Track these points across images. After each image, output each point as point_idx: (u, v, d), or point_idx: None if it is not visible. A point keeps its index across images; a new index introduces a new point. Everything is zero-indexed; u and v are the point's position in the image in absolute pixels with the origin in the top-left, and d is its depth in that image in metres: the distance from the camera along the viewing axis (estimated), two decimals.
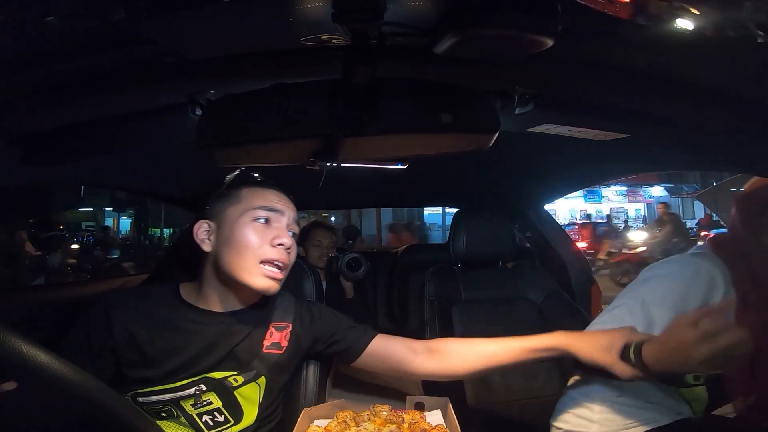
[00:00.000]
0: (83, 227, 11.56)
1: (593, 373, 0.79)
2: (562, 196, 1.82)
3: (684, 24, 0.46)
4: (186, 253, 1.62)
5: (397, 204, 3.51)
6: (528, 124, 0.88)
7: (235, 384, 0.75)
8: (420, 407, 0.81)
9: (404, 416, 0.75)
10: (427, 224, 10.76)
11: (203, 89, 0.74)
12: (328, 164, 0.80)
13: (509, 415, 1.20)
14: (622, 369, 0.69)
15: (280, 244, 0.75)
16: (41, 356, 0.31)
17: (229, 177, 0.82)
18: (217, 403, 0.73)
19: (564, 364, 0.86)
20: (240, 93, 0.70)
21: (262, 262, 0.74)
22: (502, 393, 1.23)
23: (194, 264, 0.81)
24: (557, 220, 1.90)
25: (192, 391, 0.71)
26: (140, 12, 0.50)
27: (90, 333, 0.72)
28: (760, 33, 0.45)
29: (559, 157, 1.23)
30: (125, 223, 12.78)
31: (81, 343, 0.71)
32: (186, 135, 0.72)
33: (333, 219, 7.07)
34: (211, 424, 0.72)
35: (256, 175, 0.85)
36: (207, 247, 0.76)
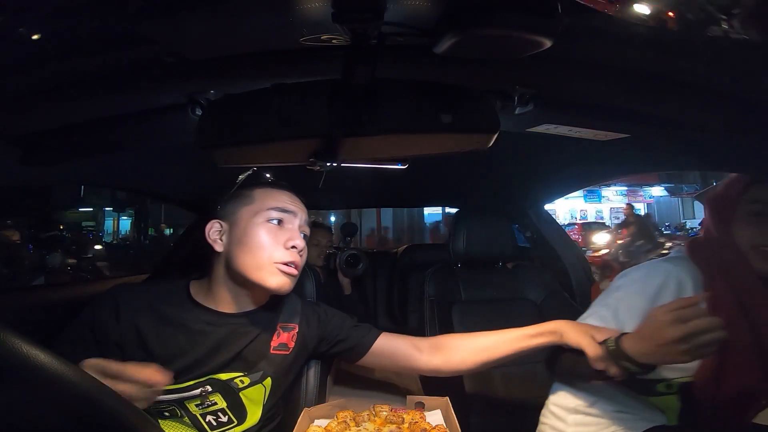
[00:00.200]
0: (83, 227, 11.56)
1: (574, 375, 0.82)
2: (562, 196, 1.82)
3: (684, 24, 0.46)
4: (186, 252, 1.63)
5: (397, 204, 3.51)
6: (528, 124, 0.88)
7: (241, 385, 0.74)
8: (420, 407, 0.81)
9: (404, 416, 0.75)
10: (427, 224, 10.75)
11: (203, 89, 0.74)
12: (328, 164, 0.80)
13: (507, 399, 1.20)
14: (599, 354, 0.71)
15: (293, 247, 0.75)
16: (41, 356, 0.32)
17: (242, 177, 0.82)
18: (222, 403, 0.73)
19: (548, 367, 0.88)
20: (240, 93, 0.70)
21: (275, 263, 0.74)
22: (498, 380, 1.23)
23: (196, 263, 0.82)
24: (557, 220, 1.90)
25: (198, 391, 0.71)
26: (140, 12, 0.50)
27: (95, 326, 0.71)
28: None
29: (559, 157, 1.23)
30: (125, 223, 12.76)
31: (85, 335, 0.70)
32: (186, 135, 0.72)
33: (333, 219, 7.06)
34: (215, 424, 0.72)
35: (268, 175, 0.85)
36: (219, 247, 0.76)
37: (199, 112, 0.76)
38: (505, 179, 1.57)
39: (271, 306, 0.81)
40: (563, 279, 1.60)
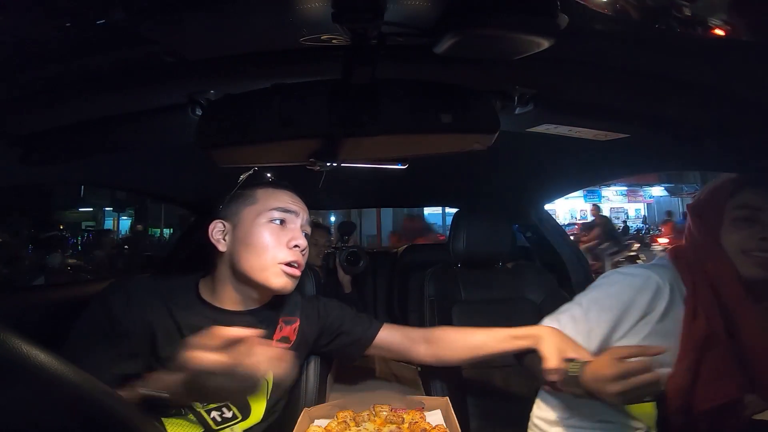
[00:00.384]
0: (83, 227, 11.55)
1: (532, 373, 0.84)
2: (562, 196, 1.81)
3: (684, 24, 0.46)
4: (187, 252, 1.63)
5: (397, 204, 3.50)
6: (528, 124, 0.88)
7: None
8: (420, 407, 0.81)
9: (404, 416, 0.75)
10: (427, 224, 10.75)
11: (203, 89, 0.74)
12: (328, 164, 0.80)
13: (507, 399, 1.20)
14: (553, 370, 0.75)
15: (296, 246, 0.76)
16: (41, 356, 0.31)
17: (243, 177, 0.83)
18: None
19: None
20: (240, 93, 0.70)
21: (279, 263, 0.75)
22: (499, 380, 1.24)
23: (197, 262, 0.82)
24: (557, 220, 1.90)
25: None
26: (140, 12, 0.50)
27: (112, 317, 0.70)
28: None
29: (559, 157, 1.23)
30: (125, 223, 12.76)
31: (102, 328, 0.69)
32: (186, 135, 0.72)
33: (333, 219, 7.06)
34: (219, 420, 0.73)
35: (269, 175, 0.86)
36: (222, 247, 0.76)
37: (199, 112, 0.76)
38: (504, 179, 1.56)
39: (273, 301, 0.82)
40: (563, 279, 1.60)
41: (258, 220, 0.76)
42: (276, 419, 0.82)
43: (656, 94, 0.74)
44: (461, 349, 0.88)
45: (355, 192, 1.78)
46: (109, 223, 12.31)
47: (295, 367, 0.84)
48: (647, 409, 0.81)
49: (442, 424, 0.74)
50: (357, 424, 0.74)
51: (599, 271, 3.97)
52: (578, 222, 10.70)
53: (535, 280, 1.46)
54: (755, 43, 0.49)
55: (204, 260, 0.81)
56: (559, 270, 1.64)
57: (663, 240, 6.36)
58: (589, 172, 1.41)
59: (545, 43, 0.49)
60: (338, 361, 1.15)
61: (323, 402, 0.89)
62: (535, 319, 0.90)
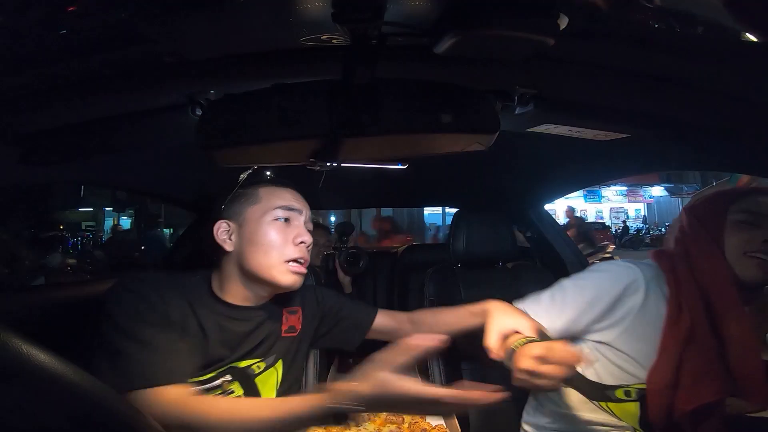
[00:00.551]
0: (83, 227, 11.55)
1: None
2: (562, 196, 1.81)
3: (684, 24, 0.46)
4: (188, 251, 1.63)
5: (397, 204, 3.50)
6: (528, 124, 0.88)
7: (257, 371, 0.77)
8: None
9: (404, 416, 0.75)
10: (427, 224, 10.75)
11: (203, 89, 0.74)
12: (328, 164, 0.80)
13: (507, 399, 1.20)
14: (491, 345, 0.76)
15: (301, 242, 0.78)
16: (41, 356, 0.31)
17: (243, 176, 0.83)
18: (239, 391, 0.75)
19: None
20: (240, 93, 0.70)
21: (287, 260, 0.76)
22: (498, 380, 1.23)
23: (198, 261, 0.82)
24: (557, 220, 1.90)
25: (219, 382, 0.73)
26: (140, 12, 0.50)
27: (166, 306, 0.69)
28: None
29: (559, 157, 1.23)
30: (125, 223, 12.76)
31: (153, 321, 0.67)
32: (186, 135, 0.72)
33: (333, 219, 7.06)
34: None
35: (269, 173, 0.86)
36: (229, 246, 0.77)
37: (199, 112, 0.76)
38: (504, 179, 1.56)
39: (279, 295, 0.84)
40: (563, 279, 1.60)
41: (263, 219, 0.77)
42: None
43: (656, 94, 0.74)
44: (440, 328, 0.91)
45: (355, 192, 1.78)
46: (108, 224, 12.31)
47: (301, 357, 0.88)
48: (631, 409, 0.82)
49: (442, 424, 0.74)
50: (357, 424, 0.74)
51: None
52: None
53: (535, 280, 1.46)
54: (755, 43, 0.48)
55: (204, 259, 0.81)
56: (559, 270, 1.64)
57: None
58: (589, 172, 1.41)
59: (545, 43, 0.49)
60: (339, 354, 1.16)
61: None
62: None
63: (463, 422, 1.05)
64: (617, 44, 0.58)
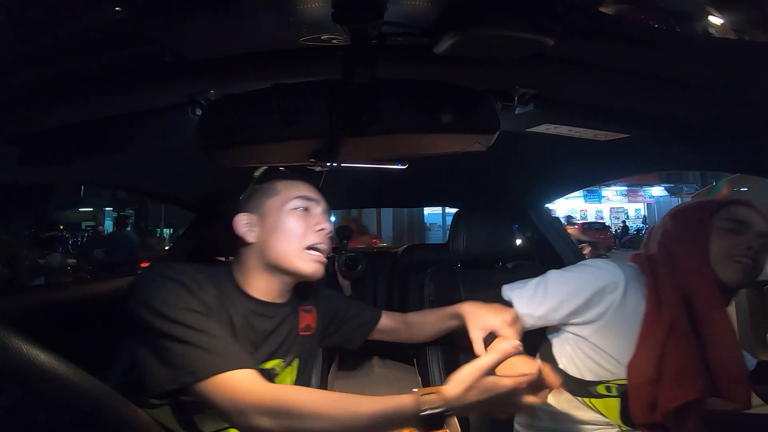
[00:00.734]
0: (83, 227, 11.55)
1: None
2: (562, 196, 1.81)
3: (684, 24, 0.46)
4: (190, 247, 1.63)
5: (397, 204, 3.51)
6: (528, 124, 0.88)
7: (278, 370, 0.77)
8: None
9: None
10: (427, 224, 10.77)
11: (203, 89, 0.74)
12: (328, 164, 0.80)
13: None
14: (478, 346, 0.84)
15: (321, 229, 0.79)
16: (41, 356, 0.32)
17: (258, 173, 0.85)
18: None
19: None
20: (240, 93, 0.70)
21: (308, 248, 0.77)
22: None
23: (201, 259, 0.82)
24: (558, 220, 1.90)
25: None
26: (140, 12, 0.50)
27: (205, 294, 0.67)
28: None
29: (559, 157, 1.23)
30: (108, 226, 12.74)
31: (207, 308, 0.66)
32: (186, 135, 0.72)
33: (333, 219, 7.06)
34: None
35: (282, 168, 0.87)
36: (251, 238, 0.77)
37: (199, 112, 0.76)
38: (505, 179, 1.56)
39: (295, 293, 0.85)
40: None
41: (283, 208, 0.78)
42: None
43: (656, 94, 0.74)
44: (426, 329, 1.01)
45: (355, 192, 1.78)
46: (109, 224, 12.32)
47: (314, 355, 0.90)
48: (612, 404, 0.85)
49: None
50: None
51: None
52: (578, 222, 10.71)
53: None
54: (755, 43, 0.49)
55: (203, 258, 0.81)
56: None
57: None
58: (589, 172, 1.41)
59: (545, 43, 0.49)
60: (340, 352, 1.18)
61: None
62: None
63: (464, 422, 1.05)
64: (617, 44, 0.58)
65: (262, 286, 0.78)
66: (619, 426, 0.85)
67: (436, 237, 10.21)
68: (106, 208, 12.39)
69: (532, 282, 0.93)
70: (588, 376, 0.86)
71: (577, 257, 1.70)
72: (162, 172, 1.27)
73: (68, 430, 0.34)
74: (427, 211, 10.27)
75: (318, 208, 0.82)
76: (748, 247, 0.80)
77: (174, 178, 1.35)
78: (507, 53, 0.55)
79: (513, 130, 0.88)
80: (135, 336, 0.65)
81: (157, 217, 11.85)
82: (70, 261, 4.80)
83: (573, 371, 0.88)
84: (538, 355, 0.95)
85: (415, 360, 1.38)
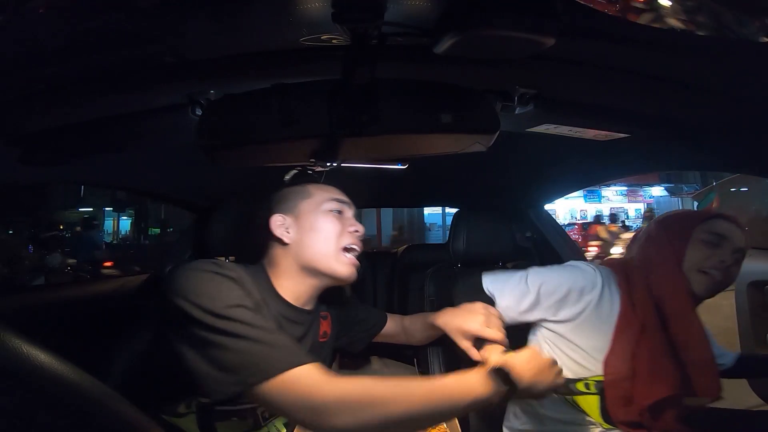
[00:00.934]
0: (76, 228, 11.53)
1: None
2: (562, 196, 1.81)
3: (683, 24, 0.46)
4: (191, 247, 1.63)
5: (398, 204, 3.51)
6: (528, 124, 0.88)
7: None
8: None
9: None
10: (427, 224, 10.76)
11: (203, 89, 0.74)
12: (328, 164, 0.80)
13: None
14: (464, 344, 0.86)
15: (355, 230, 0.80)
16: (41, 356, 0.31)
17: (288, 176, 0.87)
18: None
19: None
20: (240, 93, 0.70)
21: (344, 249, 0.77)
22: None
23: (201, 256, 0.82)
24: (557, 220, 1.90)
25: None
26: (141, 12, 0.50)
27: (252, 295, 0.65)
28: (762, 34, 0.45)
29: (559, 157, 1.23)
30: (125, 223, 12.75)
31: (258, 310, 0.63)
32: (186, 135, 0.72)
33: None
34: (267, 416, 0.75)
35: (311, 172, 0.88)
36: (288, 239, 0.77)
37: (199, 112, 0.76)
38: (504, 179, 1.56)
39: (318, 299, 0.85)
40: None
41: (319, 209, 0.78)
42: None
43: (656, 94, 0.74)
44: (419, 333, 1.02)
45: (355, 192, 1.78)
46: (109, 223, 12.31)
47: (329, 359, 0.90)
48: (592, 401, 0.87)
49: (443, 424, 0.74)
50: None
51: None
52: (578, 222, 10.70)
53: None
54: (755, 43, 0.48)
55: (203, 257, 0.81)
56: None
57: None
58: (589, 172, 1.41)
59: (546, 43, 0.49)
60: (341, 352, 1.18)
61: None
62: None
63: (464, 422, 1.05)
64: (617, 44, 0.58)
65: (294, 290, 0.77)
66: (601, 425, 0.87)
67: (436, 237, 10.20)
68: (106, 208, 12.38)
69: (515, 277, 0.95)
70: (567, 374, 0.87)
71: (576, 256, 1.70)
72: (162, 172, 1.27)
73: (69, 430, 0.34)
74: (427, 211, 10.26)
75: (350, 211, 0.83)
76: (721, 261, 0.83)
77: (174, 178, 1.35)
78: (507, 53, 0.54)
79: (513, 130, 0.88)
80: (178, 337, 0.59)
81: (158, 216, 11.85)
82: (70, 261, 4.79)
83: None
84: None
85: (415, 360, 1.38)
